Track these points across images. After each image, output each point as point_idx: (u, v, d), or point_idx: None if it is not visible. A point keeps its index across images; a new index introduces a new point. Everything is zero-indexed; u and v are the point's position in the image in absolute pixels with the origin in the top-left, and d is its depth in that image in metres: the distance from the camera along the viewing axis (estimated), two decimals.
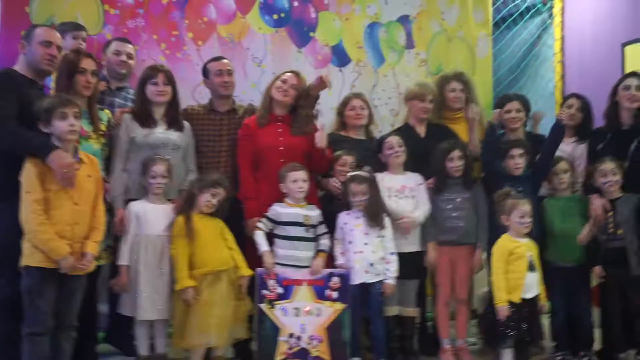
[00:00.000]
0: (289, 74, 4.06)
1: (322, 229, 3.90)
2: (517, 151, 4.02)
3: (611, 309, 3.86)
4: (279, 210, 3.84)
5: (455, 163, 3.99)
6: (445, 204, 4.04)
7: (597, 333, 4.05)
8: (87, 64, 3.40)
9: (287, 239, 3.83)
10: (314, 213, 3.88)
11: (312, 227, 3.86)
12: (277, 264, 3.80)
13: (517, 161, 4.00)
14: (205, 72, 4.20)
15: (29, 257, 2.99)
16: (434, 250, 4.03)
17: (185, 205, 3.59)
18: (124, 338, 3.86)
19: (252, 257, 3.84)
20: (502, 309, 3.56)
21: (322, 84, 4.02)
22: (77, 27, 4.02)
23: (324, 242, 3.87)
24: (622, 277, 3.80)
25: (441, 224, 4.02)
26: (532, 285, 3.62)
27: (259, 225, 3.82)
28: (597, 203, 3.86)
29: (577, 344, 3.95)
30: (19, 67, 3.31)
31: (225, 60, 4.20)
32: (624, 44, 5.53)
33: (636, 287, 3.78)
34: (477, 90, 4.73)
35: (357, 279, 3.81)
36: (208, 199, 3.60)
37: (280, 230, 3.84)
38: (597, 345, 4.06)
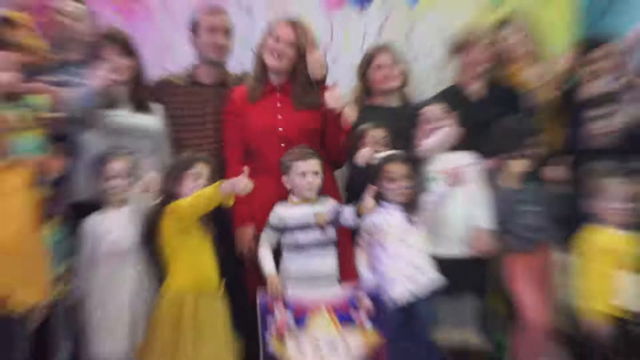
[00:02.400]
0: (282, 25, 3.78)
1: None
2: (601, 111, 3.83)
3: None
4: (282, 213, 3.58)
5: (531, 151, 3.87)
6: (519, 196, 3.83)
7: None
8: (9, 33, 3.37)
9: (297, 249, 3.58)
10: (326, 205, 3.64)
11: (329, 225, 3.63)
12: (290, 281, 3.58)
13: (602, 124, 3.81)
14: (195, 26, 4.00)
15: None
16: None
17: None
18: None
19: (252, 276, 3.68)
20: (598, 326, 3.37)
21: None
22: None
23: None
24: None
25: (517, 225, 3.80)
26: (633, 293, 3.41)
27: (262, 238, 3.63)
28: None
29: None
30: None
31: (223, 15, 4.02)
32: None
33: None
34: (550, 31, 4.60)
35: (401, 295, 3.52)
36: (191, 185, 3.40)
37: (289, 239, 3.57)
38: None
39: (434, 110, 3.82)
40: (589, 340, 3.43)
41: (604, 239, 3.41)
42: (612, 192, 3.42)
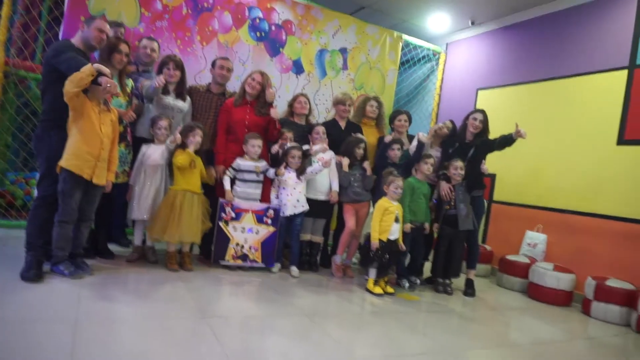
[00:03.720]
0: (256, 74, 3.87)
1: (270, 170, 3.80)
2: (396, 146, 4.03)
3: (441, 252, 3.98)
4: (240, 162, 3.75)
5: (359, 152, 4.01)
6: (351, 177, 4.00)
7: (429, 266, 4.21)
8: (123, 47, 3.21)
9: (243, 181, 3.75)
10: (262, 164, 3.79)
11: (261, 173, 3.78)
12: (237, 197, 3.72)
13: (396, 152, 4.01)
14: (214, 63, 3.97)
15: (65, 161, 2.82)
16: (347, 206, 4.03)
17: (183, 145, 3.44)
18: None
19: (220, 192, 3.76)
20: (374, 243, 3.56)
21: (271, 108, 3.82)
22: (118, 24, 3.75)
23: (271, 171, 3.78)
24: (451, 233, 3.92)
25: (349, 190, 3.99)
26: (395, 231, 3.62)
27: (227, 172, 3.70)
28: (445, 186, 3.95)
29: (412, 271, 4.02)
30: (75, 40, 3.03)
31: (229, 61, 3.97)
32: (478, 89, 5.72)
33: (458, 239, 3.94)
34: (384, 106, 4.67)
35: (289, 212, 3.77)
36: (191, 139, 3.44)
37: (240, 175, 3.76)
38: (427, 274, 4.25)
39: (320, 130, 4.02)
40: (370, 248, 3.58)
41: (385, 205, 3.59)
42: (393, 182, 3.60)
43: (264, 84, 3.82)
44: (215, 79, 3.98)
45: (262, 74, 3.88)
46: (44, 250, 2.87)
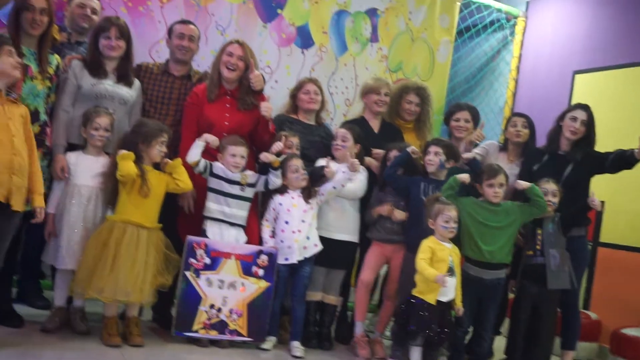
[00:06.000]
0: (234, 45, 3.94)
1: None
2: (434, 148, 4.00)
3: (521, 323, 3.93)
4: (219, 166, 3.81)
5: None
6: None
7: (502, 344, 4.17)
8: (36, 1, 3.27)
9: (223, 195, 3.81)
10: (249, 172, 3.89)
11: (248, 187, 3.86)
12: (207, 218, 3.81)
13: (432, 158, 3.98)
14: (170, 32, 4.11)
15: None
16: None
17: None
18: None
19: (183, 224, 3.87)
20: (435, 275, 3.47)
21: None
22: None
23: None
24: (536, 293, 3.89)
25: (380, 224, 4.07)
26: (449, 289, 3.59)
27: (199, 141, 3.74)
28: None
29: (475, 352, 3.98)
30: None
31: (191, 26, 4.10)
32: (575, 72, 5.72)
33: (547, 302, 3.92)
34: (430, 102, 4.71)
35: (295, 257, 3.85)
36: (159, 149, 3.55)
37: (216, 184, 3.82)
38: (499, 355, 4.22)
39: (340, 134, 4.11)
40: (409, 314, 3.57)
41: (433, 246, 3.58)
42: (442, 212, 3.60)
43: (247, 61, 3.90)
44: (173, 54, 4.10)
45: (242, 44, 3.97)
46: None
